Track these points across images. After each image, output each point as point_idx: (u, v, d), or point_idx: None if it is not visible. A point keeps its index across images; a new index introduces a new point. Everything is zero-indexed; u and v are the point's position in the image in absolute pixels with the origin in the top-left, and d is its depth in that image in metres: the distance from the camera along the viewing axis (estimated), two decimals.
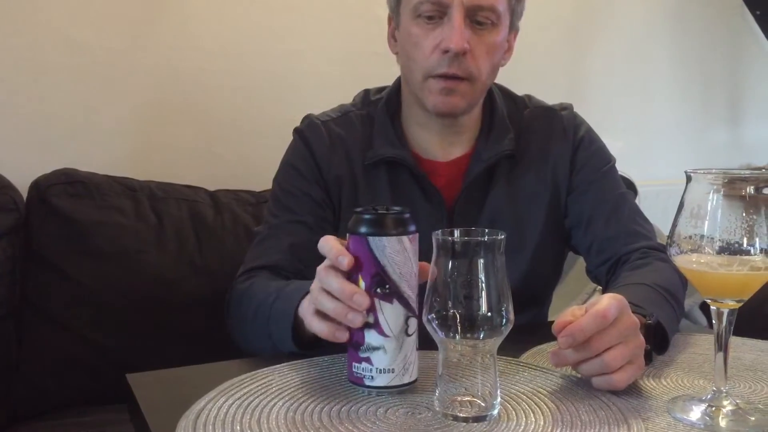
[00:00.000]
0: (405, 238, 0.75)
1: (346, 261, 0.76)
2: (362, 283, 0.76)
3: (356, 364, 0.77)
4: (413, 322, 0.76)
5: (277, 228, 1.14)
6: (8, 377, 1.33)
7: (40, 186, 1.41)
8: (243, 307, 1.05)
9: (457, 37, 1.03)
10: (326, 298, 0.77)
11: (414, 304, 0.77)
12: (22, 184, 1.42)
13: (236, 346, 1.11)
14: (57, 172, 1.44)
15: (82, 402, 1.36)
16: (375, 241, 0.75)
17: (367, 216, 0.76)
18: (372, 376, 0.76)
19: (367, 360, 0.76)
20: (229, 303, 1.11)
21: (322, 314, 0.80)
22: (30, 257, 1.38)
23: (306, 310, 0.83)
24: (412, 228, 0.77)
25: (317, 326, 0.80)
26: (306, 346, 0.90)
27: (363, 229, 0.75)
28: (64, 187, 1.41)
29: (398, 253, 0.75)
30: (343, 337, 0.78)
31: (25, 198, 1.42)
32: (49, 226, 1.38)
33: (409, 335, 0.76)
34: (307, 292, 0.84)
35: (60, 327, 1.36)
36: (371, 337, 0.76)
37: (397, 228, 0.75)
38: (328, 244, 0.78)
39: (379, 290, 0.75)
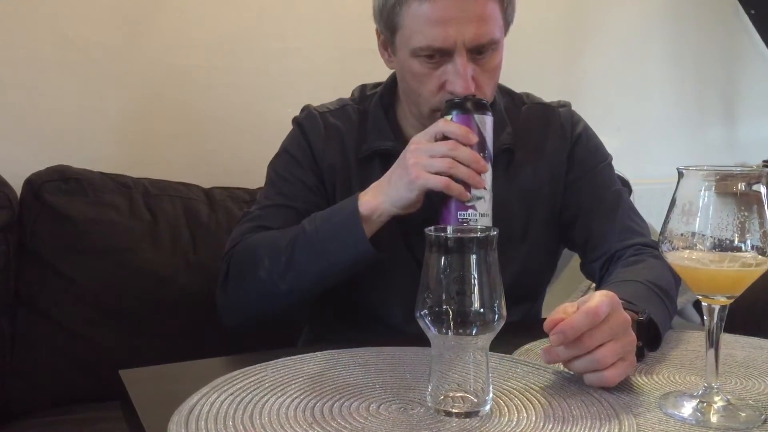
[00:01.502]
0: (491, 117, 1.01)
1: (476, 138, 0.97)
2: None
3: (462, 212, 0.98)
4: (491, 182, 1.00)
5: (268, 209, 1.15)
6: (2, 374, 1.33)
7: (33, 183, 1.41)
8: (261, 258, 1.05)
9: (463, 82, 1.02)
10: (460, 166, 0.96)
11: None
12: (16, 180, 1.42)
13: (234, 319, 1.12)
14: (51, 169, 1.44)
15: (76, 399, 1.36)
16: (479, 118, 0.99)
17: (471, 98, 1.00)
18: (476, 219, 0.98)
19: (473, 207, 0.98)
20: (228, 270, 1.10)
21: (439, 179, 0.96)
22: (23, 254, 1.37)
23: (420, 175, 0.96)
24: None
25: (455, 187, 0.96)
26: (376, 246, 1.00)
27: (468, 108, 0.99)
28: (57, 184, 1.41)
29: (490, 128, 1.00)
30: (467, 195, 0.97)
31: (18, 195, 1.42)
32: (42, 223, 1.38)
33: (492, 191, 1.00)
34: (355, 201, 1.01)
35: (53, 324, 1.36)
36: (476, 190, 0.98)
37: (488, 110, 1.01)
38: (452, 124, 0.98)
39: (481, 155, 0.98)
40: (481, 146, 0.99)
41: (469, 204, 0.98)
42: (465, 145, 0.97)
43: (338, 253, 1.02)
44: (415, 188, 0.98)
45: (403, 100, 1.17)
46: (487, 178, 0.99)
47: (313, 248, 1.03)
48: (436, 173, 0.96)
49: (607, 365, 0.77)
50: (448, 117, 1.00)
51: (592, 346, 0.77)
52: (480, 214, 0.98)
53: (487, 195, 0.99)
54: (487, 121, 1.00)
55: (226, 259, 1.12)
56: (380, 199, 1.01)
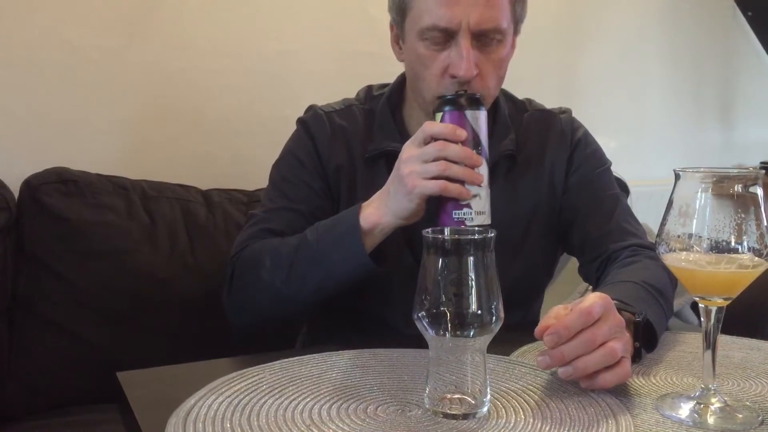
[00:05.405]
0: (485, 113, 0.98)
1: (465, 133, 0.94)
2: None
3: (457, 211, 0.96)
4: (488, 178, 0.98)
5: (272, 212, 1.16)
6: None
7: (31, 185, 1.41)
8: (265, 264, 1.06)
9: (466, 64, 1.03)
10: (453, 165, 0.94)
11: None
12: (14, 182, 1.42)
13: (240, 320, 1.12)
14: (49, 171, 1.43)
15: (73, 401, 1.36)
16: (471, 114, 0.96)
17: (462, 95, 0.98)
18: (472, 218, 0.95)
19: (468, 206, 0.95)
20: (233, 274, 1.11)
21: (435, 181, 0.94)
22: (21, 256, 1.37)
23: (416, 184, 0.95)
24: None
25: (453, 188, 0.94)
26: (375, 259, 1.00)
27: (461, 104, 0.97)
28: (55, 186, 1.41)
29: (483, 123, 0.98)
30: (468, 194, 0.94)
31: (16, 197, 1.42)
32: (40, 225, 1.38)
33: (489, 187, 0.98)
34: (358, 210, 1.01)
35: (51, 326, 1.36)
36: (471, 187, 0.95)
37: (481, 105, 0.98)
38: (437, 125, 0.96)
39: (474, 151, 0.96)
40: (475, 142, 0.96)
41: (464, 203, 0.95)
42: (455, 142, 0.95)
43: (338, 265, 1.02)
44: (415, 197, 0.96)
45: (409, 94, 1.18)
46: (484, 174, 0.97)
47: (314, 259, 1.03)
48: (432, 178, 0.95)
49: (618, 358, 0.76)
50: (439, 114, 0.98)
51: (598, 341, 0.75)
52: (476, 212, 0.96)
53: (483, 192, 0.97)
54: (480, 117, 0.97)
55: (231, 263, 1.12)
56: (382, 211, 1.00)
